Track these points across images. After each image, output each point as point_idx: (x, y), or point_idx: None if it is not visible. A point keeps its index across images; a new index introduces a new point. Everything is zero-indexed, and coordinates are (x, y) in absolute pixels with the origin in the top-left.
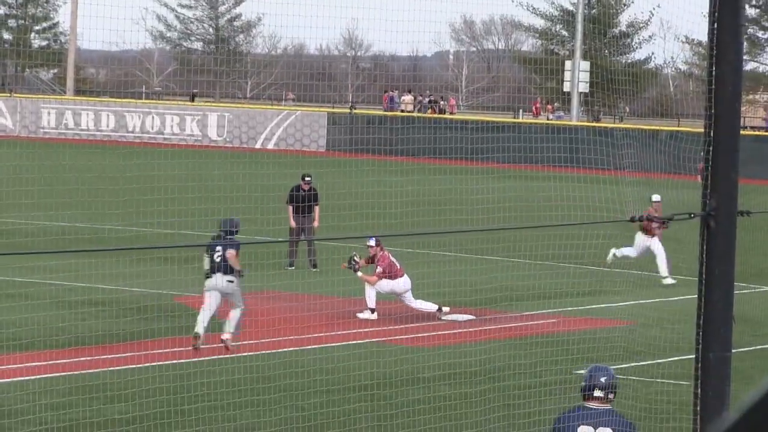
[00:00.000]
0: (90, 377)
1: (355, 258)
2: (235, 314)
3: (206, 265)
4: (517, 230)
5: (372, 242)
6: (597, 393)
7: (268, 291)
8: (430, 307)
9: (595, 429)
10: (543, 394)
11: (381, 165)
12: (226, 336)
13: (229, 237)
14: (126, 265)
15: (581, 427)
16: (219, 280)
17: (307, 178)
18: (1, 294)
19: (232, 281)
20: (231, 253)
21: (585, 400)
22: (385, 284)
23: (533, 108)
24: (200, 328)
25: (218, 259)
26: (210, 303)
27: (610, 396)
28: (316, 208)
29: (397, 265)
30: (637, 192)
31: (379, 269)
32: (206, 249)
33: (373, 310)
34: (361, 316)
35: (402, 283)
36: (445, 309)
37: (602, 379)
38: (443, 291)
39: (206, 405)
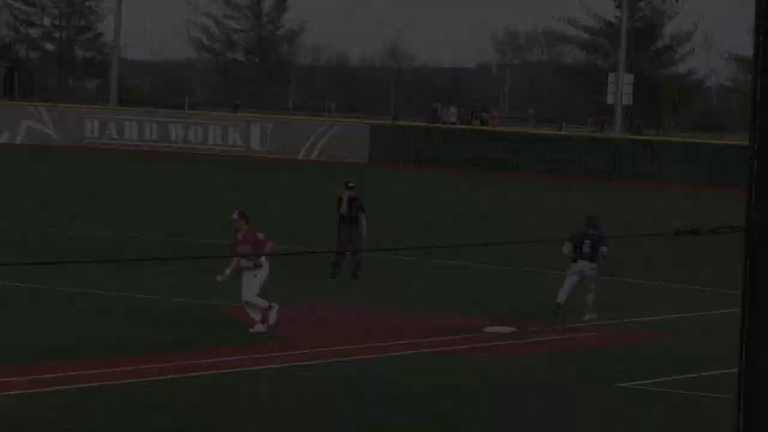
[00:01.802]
0: (128, 387)
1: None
2: (590, 297)
3: (566, 249)
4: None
5: (235, 215)
6: None
7: (309, 301)
8: (262, 304)
9: None
10: (584, 408)
11: (423, 177)
12: (588, 317)
13: (595, 232)
14: (168, 275)
15: None
16: (584, 265)
17: (350, 184)
18: (38, 303)
19: (593, 268)
20: (603, 250)
21: None
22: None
23: (597, 121)
24: (561, 299)
25: (587, 250)
26: (570, 282)
27: None
28: (362, 217)
29: (266, 241)
30: (681, 205)
31: (261, 235)
32: (570, 237)
33: (263, 322)
34: (253, 330)
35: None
36: (260, 326)
37: None
38: (485, 303)
39: (247, 417)
